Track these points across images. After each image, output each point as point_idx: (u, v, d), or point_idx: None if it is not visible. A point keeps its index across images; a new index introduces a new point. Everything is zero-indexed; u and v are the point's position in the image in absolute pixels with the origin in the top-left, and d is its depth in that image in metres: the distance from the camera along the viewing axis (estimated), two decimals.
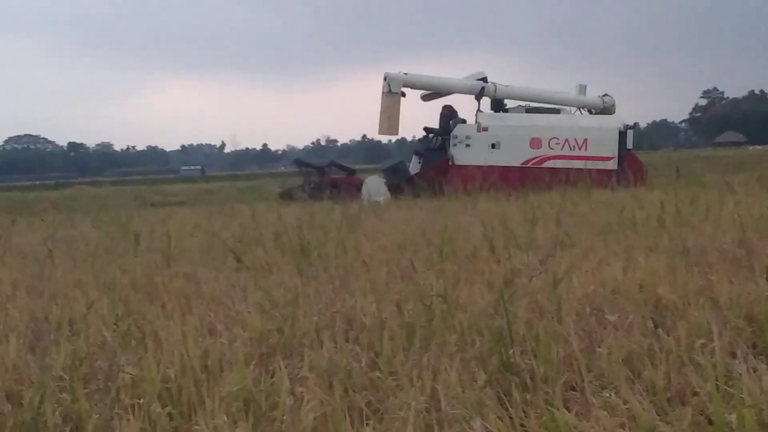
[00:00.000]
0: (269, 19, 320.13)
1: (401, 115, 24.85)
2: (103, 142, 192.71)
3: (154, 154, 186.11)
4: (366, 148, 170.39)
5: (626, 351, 4.65)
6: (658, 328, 5.11)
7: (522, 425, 3.73)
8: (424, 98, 26.46)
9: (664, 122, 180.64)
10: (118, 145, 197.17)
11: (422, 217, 13.47)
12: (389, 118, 24.82)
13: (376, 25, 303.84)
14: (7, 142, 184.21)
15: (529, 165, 24.31)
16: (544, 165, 24.21)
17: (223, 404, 4.03)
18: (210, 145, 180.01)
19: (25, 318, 6.45)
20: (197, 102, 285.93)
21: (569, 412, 3.80)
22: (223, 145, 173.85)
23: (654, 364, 4.40)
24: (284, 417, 3.81)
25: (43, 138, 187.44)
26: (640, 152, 29.49)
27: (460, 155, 24.59)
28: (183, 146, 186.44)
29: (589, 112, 26.63)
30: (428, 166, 24.77)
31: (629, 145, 25.03)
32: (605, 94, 26.87)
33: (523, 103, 26.30)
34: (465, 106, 29.50)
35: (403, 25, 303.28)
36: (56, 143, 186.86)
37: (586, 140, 24.58)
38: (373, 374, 4.50)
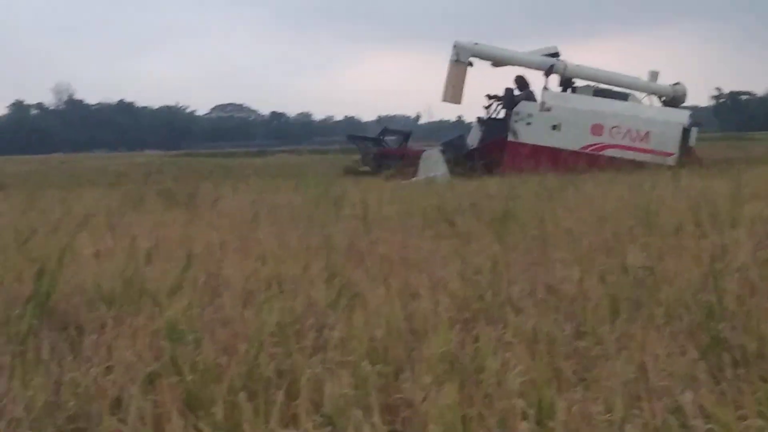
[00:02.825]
0: None
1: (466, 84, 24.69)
2: (303, 112, 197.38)
3: (351, 124, 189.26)
4: None
5: None
6: None
7: (734, 400, 3.63)
8: (495, 65, 26.00)
9: None
10: (317, 115, 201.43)
11: (621, 191, 13.19)
12: (454, 86, 24.64)
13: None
14: (213, 110, 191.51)
15: (587, 151, 23.34)
16: (603, 153, 23.21)
17: (429, 365, 4.12)
18: (405, 116, 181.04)
19: (237, 277, 6.74)
20: (395, 73, 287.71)
21: None
22: (418, 116, 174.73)
23: None
24: (491, 380, 3.86)
25: (247, 107, 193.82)
26: None
27: (520, 132, 23.84)
28: (379, 117, 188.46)
29: (659, 98, 25.49)
30: (488, 139, 24.29)
31: (692, 142, 23.84)
32: (677, 83, 25.58)
33: (592, 83, 25.39)
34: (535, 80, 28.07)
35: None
36: (259, 112, 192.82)
37: (648, 133, 23.46)
38: (578, 343, 4.49)
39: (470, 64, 24.69)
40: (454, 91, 24.65)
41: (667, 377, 3.83)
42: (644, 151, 23.21)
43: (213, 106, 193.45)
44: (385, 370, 4.21)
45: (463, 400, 3.77)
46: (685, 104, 26.28)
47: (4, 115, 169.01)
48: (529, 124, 23.88)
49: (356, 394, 3.84)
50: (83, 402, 3.93)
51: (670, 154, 23.16)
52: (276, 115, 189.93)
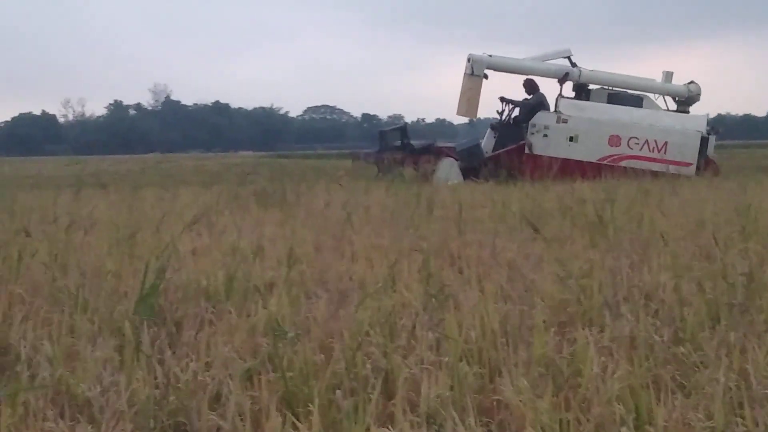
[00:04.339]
0: None
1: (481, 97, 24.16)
2: (394, 114, 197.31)
3: (442, 127, 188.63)
4: None
5: None
6: None
7: None
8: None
9: None
10: (409, 118, 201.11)
11: (720, 196, 12.95)
12: (469, 100, 24.05)
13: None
14: (306, 111, 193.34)
15: (604, 162, 22.66)
16: (620, 164, 22.46)
17: (525, 368, 4.11)
18: (497, 119, 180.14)
19: (331, 276, 6.81)
20: (490, 76, 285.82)
21: None
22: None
23: None
24: (589, 384, 3.83)
25: (339, 109, 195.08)
26: None
27: (537, 144, 23.20)
28: (471, 120, 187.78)
29: (674, 99, 24.64)
30: (502, 146, 23.68)
31: (710, 151, 23.11)
32: (691, 82, 24.67)
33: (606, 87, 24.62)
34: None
35: None
36: (351, 114, 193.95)
37: (666, 143, 22.75)
38: (677, 349, 4.42)
39: (485, 76, 24.26)
40: (469, 105, 24.23)
41: None
42: (662, 161, 22.65)
43: (306, 107, 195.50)
44: (480, 371, 4.22)
45: (560, 403, 3.76)
46: None
47: (103, 115, 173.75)
48: (545, 136, 23.35)
49: (452, 395, 3.86)
50: (184, 397, 4.01)
51: (689, 165, 22.67)
52: (368, 117, 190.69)
